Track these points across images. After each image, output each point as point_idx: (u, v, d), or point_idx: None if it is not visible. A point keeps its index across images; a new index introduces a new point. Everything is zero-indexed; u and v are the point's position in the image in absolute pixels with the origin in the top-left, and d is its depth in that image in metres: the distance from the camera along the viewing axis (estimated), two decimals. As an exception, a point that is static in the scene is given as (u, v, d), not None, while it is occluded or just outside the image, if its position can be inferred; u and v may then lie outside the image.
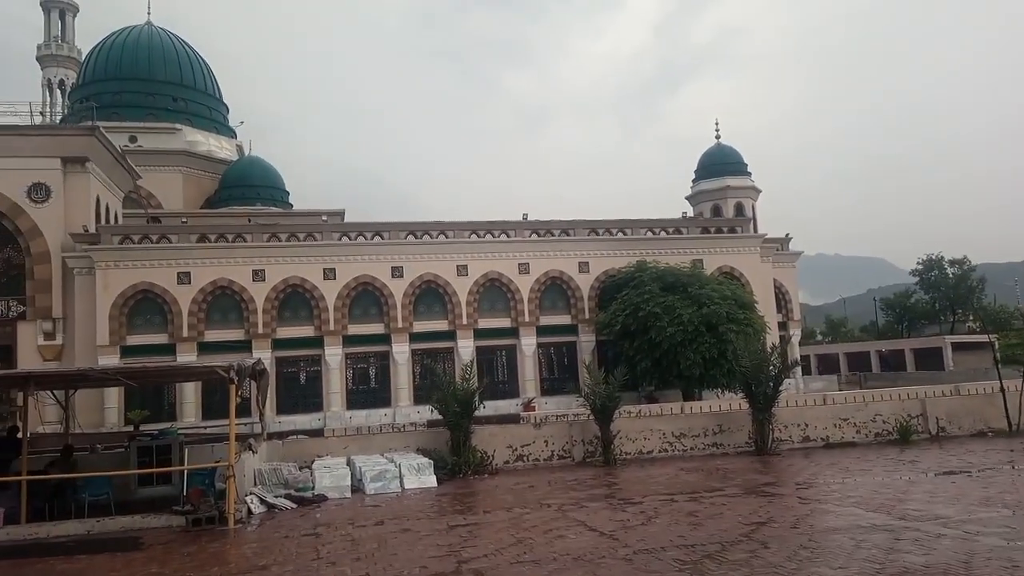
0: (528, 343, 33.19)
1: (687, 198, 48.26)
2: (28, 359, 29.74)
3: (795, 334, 39.23)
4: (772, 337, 31.21)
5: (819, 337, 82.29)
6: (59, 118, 50.60)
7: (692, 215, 43.39)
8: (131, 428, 25.54)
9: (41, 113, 49.57)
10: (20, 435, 14.66)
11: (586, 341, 33.60)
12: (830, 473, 14.17)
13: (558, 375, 34.02)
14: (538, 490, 13.78)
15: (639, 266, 31.87)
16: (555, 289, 34.09)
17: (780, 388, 18.28)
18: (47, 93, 56.17)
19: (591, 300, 33.72)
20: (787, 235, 41.37)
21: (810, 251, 53.77)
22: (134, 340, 29.62)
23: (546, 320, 33.69)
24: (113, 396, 28.43)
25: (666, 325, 28.15)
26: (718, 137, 47.81)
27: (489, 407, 28.62)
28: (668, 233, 35.16)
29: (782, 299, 38.62)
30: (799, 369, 34.28)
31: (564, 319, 33.96)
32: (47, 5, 58.26)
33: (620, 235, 34.68)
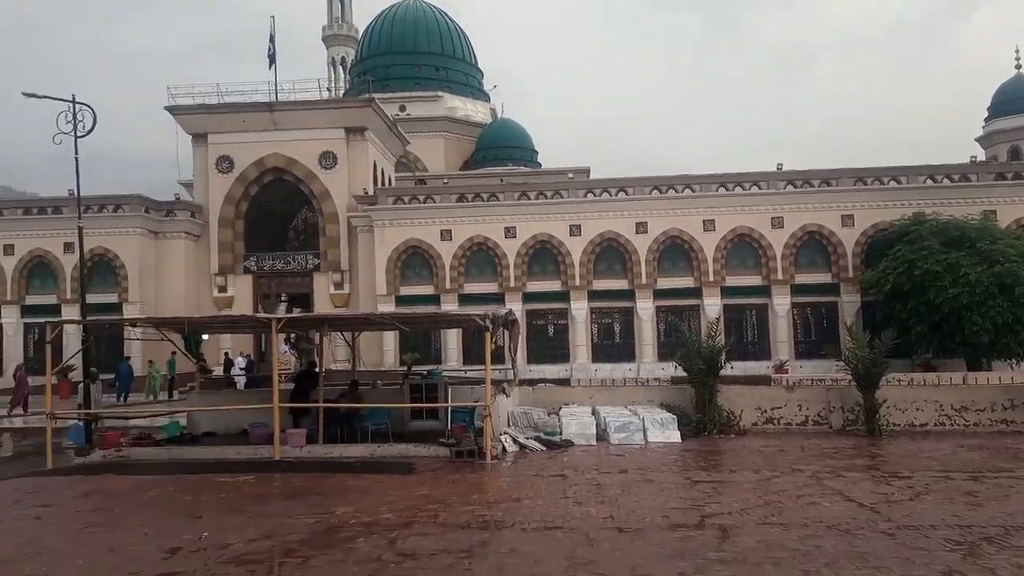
0: (781, 302, 31.45)
1: (977, 140, 42.12)
2: (322, 305, 34.36)
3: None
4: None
5: None
6: (342, 92, 56.78)
7: (983, 159, 37.73)
8: (404, 368, 28.59)
9: (328, 89, 55.94)
10: (317, 369, 17.11)
11: (849, 302, 31.04)
12: None
13: (815, 337, 31.87)
14: (789, 455, 13.17)
15: (916, 219, 28.60)
16: (813, 245, 31.79)
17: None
18: (331, 70, 63.04)
19: (856, 257, 30.99)
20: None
21: None
22: (406, 290, 32.88)
23: (802, 278, 31.61)
24: (390, 339, 31.93)
25: (948, 285, 25.04)
26: (1018, 67, 40.87)
27: (737, 368, 27.78)
28: (952, 181, 30.99)
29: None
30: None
31: (823, 277, 31.63)
32: (330, -11, 65.02)
33: (892, 184, 31.28)
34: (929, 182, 30.91)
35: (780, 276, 31.42)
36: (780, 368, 28.59)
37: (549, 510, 9.14)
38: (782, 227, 31.57)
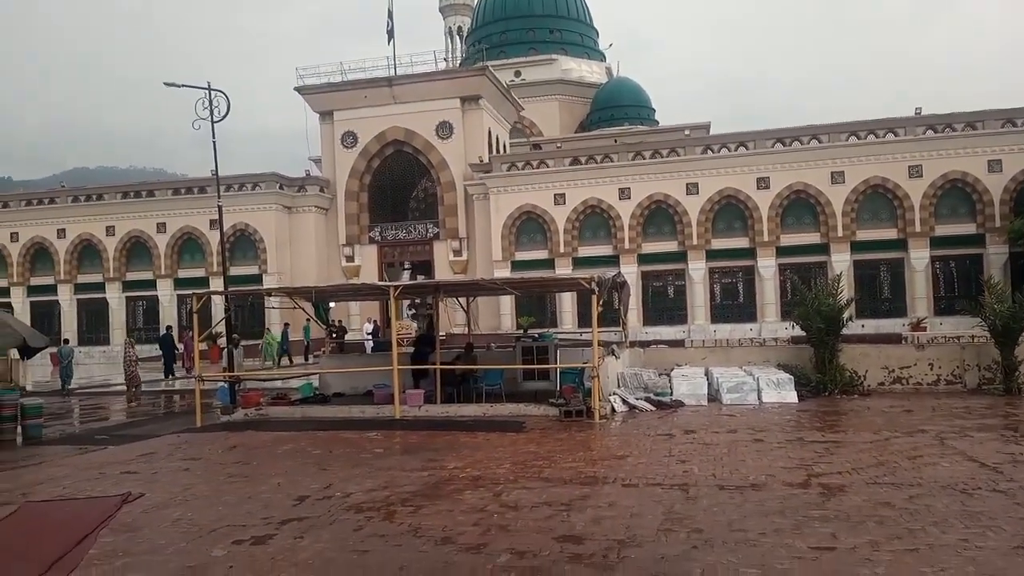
0: (919, 256, 29.52)
1: None
2: (442, 272, 35.55)
3: None
4: None
5: None
6: (458, 62, 57.57)
7: None
8: (520, 332, 29.25)
9: (445, 59, 56.92)
10: (435, 333, 17.86)
11: (996, 253, 28.74)
12: None
13: (959, 293, 29.73)
14: (916, 415, 12.55)
15: (1074, 161, 25.89)
16: (955, 193, 29.53)
17: None
18: (448, 40, 63.94)
19: (1004, 205, 28.57)
20: None
21: None
22: (521, 255, 33.40)
23: (942, 230, 29.51)
24: (507, 304, 32.65)
25: (1109, 232, 22.65)
26: None
27: (869, 326, 26.53)
28: (1117, 116, 27.75)
29: None
30: None
31: (967, 228, 29.38)
32: (447, -41, 65.59)
33: (1046, 124, 28.38)
34: (1090, 121, 27.84)
35: (918, 228, 29.44)
36: (917, 326, 26.96)
37: (651, 468, 9.26)
38: (921, 176, 29.49)
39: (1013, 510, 6.79)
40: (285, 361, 29.73)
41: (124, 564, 6.20)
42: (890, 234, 30.05)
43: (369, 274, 36.38)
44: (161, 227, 37.48)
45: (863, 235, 30.13)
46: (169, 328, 29.13)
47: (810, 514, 6.99)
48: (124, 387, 20.59)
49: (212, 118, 19.51)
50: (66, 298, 38.82)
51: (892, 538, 6.15)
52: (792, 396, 14.41)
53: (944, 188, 29.43)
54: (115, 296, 38.24)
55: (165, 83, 19.91)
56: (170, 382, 24.57)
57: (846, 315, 15.66)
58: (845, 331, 15.91)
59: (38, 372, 28.05)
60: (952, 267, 30.33)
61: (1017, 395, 13.91)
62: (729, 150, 31.48)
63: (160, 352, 26.83)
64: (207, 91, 19.69)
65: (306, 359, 29.98)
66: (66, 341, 26.52)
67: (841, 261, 29.80)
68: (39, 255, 39.40)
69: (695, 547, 6.12)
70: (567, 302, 32.14)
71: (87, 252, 38.96)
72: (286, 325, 30.53)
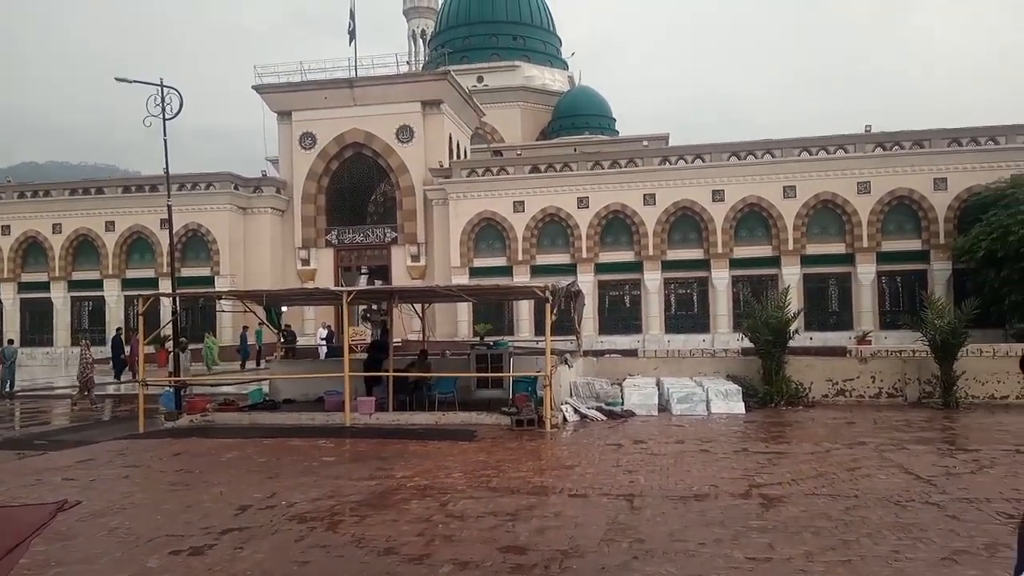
0: (865, 271, 30.32)
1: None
2: (400, 277, 35.32)
3: None
4: None
5: None
6: (421, 65, 57.38)
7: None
8: (477, 339, 29.22)
9: (407, 62, 56.64)
10: (389, 339, 17.74)
11: (939, 269, 29.66)
12: None
13: (904, 307, 30.60)
14: (857, 427, 12.88)
15: (1014, 181, 26.95)
16: (901, 210, 30.43)
17: None
18: (412, 43, 63.69)
19: (948, 223, 29.50)
20: None
21: None
22: (479, 262, 33.38)
23: (889, 245, 30.36)
24: (464, 311, 32.57)
25: (1045, 252, 23.61)
26: None
27: (817, 339, 27.12)
28: (1056, 140, 28.95)
29: None
30: None
31: (912, 244, 30.28)
32: (410, -38, 65.36)
33: (990, 144, 29.46)
34: (1030, 141, 28.97)
35: (865, 243, 30.25)
36: (862, 339, 27.62)
37: (599, 478, 9.33)
38: (869, 192, 30.32)
39: (944, 522, 7.02)
40: (251, 364, 29.27)
41: (56, 574, 6.02)
42: (839, 248, 30.81)
43: (325, 278, 35.98)
44: (110, 225, 36.53)
45: (813, 249, 30.85)
46: (119, 330, 28.38)
47: (749, 524, 7.12)
48: (73, 390, 20.02)
49: (164, 115, 19.09)
50: (9, 297, 37.57)
51: (827, 549, 6.31)
52: (740, 407, 14.66)
53: (891, 204, 30.29)
54: (60, 296, 37.15)
55: (117, 79, 19.44)
56: (118, 386, 23.92)
57: (793, 327, 16.01)
58: (793, 343, 16.27)
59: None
60: (898, 282, 31.22)
61: (955, 409, 14.36)
62: (686, 162, 31.97)
63: (110, 354, 26.12)
64: (159, 87, 19.28)
65: (258, 364, 29.50)
66: (11, 342, 25.64)
67: (792, 274, 30.46)
68: (-20, 252, 38.05)
69: (636, 557, 6.19)
70: (524, 310, 32.22)
71: (32, 250, 37.78)
72: (244, 328, 29.99)
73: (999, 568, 5.74)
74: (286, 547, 6.69)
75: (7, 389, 21.85)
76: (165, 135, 19.18)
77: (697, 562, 6.06)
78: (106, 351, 28.30)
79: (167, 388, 16.36)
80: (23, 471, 10.54)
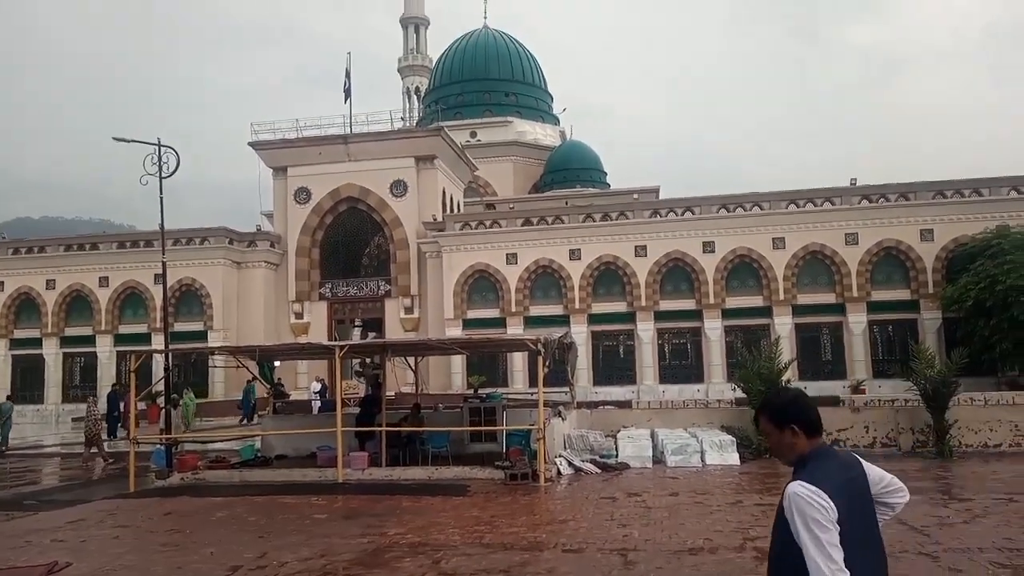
0: (856, 320, 30.50)
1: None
2: (393, 330, 35.34)
3: None
4: None
5: None
6: (415, 121, 58.49)
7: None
8: (471, 391, 29.10)
9: (402, 119, 57.87)
10: (382, 393, 17.70)
11: (929, 319, 29.86)
12: None
13: (896, 356, 30.68)
14: (851, 478, 12.85)
15: (999, 231, 27.41)
16: (890, 261, 30.77)
17: None
18: (406, 99, 65.03)
19: (936, 273, 29.82)
20: None
21: None
22: (473, 314, 33.47)
23: (879, 295, 30.61)
24: (458, 363, 32.51)
25: (1032, 300, 23.87)
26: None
27: (811, 388, 27.05)
28: (1038, 191, 29.52)
29: None
30: None
31: (901, 294, 30.54)
32: (405, 22, 67.24)
33: (974, 196, 30.02)
34: (1013, 193, 29.58)
35: (855, 293, 30.51)
36: (856, 388, 27.73)
37: (592, 532, 9.29)
38: (857, 243, 30.71)
39: (937, 573, 7.02)
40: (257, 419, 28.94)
41: (41, 641, 5.95)
42: (829, 298, 31.06)
43: (319, 331, 35.97)
44: (103, 281, 36.60)
45: (804, 299, 31.09)
46: (115, 386, 28.18)
47: (743, 580, 7.10)
48: (74, 447, 19.78)
49: (160, 174, 19.41)
50: (0, 354, 37.38)
51: (820, 604, 6.28)
52: (734, 458, 14.63)
53: (879, 255, 30.65)
54: (52, 352, 36.98)
55: (114, 138, 19.83)
56: (112, 443, 23.66)
57: (784, 378, 16.11)
58: (786, 393, 16.30)
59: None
60: (889, 331, 31.38)
61: (949, 458, 14.36)
62: (676, 214, 32.41)
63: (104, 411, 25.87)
64: (157, 147, 19.64)
65: (250, 420, 29.22)
66: (9, 398, 25.56)
67: (784, 324, 30.62)
68: (-26, 308, 37.99)
69: (629, 615, 6.16)
70: (518, 361, 32.20)
71: (25, 306, 37.74)
72: (249, 381, 29.62)
73: (992, 621, 5.74)
74: (277, 608, 6.62)
75: (2, 447, 21.64)
76: (161, 193, 19.46)
77: (690, 619, 6.03)
78: (99, 408, 28.05)
79: (158, 445, 16.25)
80: (12, 532, 10.41)
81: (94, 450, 18.78)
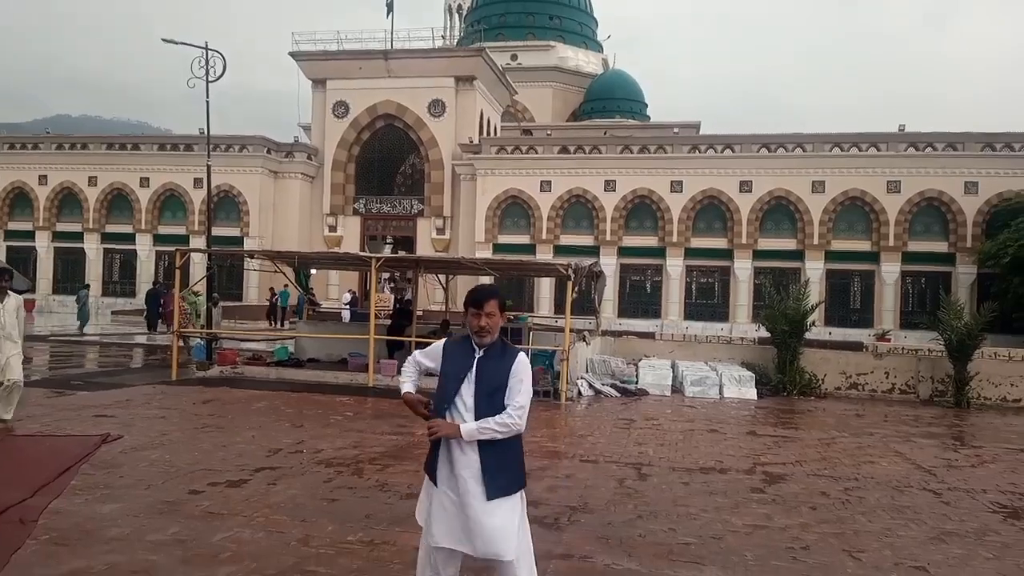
0: (890, 270, 30.29)
1: None
2: (424, 249, 35.81)
3: None
4: None
5: None
6: (456, 40, 57.46)
7: None
8: (498, 314, 29.55)
9: (443, 37, 56.89)
10: (412, 307, 18.21)
11: (964, 273, 29.58)
12: None
13: (927, 308, 30.49)
14: (866, 419, 13.15)
15: (1045, 189, 26.73)
16: (931, 212, 30.30)
17: None
18: (448, 17, 63.73)
19: (976, 227, 29.37)
20: None
21: None
22: (504, 239, 33.76)
23: (915, 246, 30.28)
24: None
25: (1071, 260, 23.51)
26: None
27: (836, 334, 27.27)
28: (1091, 149, 28.63)
29: None
30: None
31: (939, 246, 30.19)
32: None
33: (1024, 151, 29.19)
34: (1067, 149, 28.68)
35: (891, 243, 30.20)
36: (881, 338, 27.70)
37: (609, 447, 9.73)
38: (899, 191, 30.21)
39: (938, 507, 7.33)
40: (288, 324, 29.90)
41: (105, 495, 6.54)
42: (864, 246, 30.78)
43: (351, 245, 36.54)
44: (144, 181, 37.30)
45: (838, 245, 30.85)
46: (156, 283, 29.16)
47: (750, 496, 7.49)
48: (111, 337, 20.70)
49: (208, 78, 19.59)
50: (43, 245, 38.58)
51: (821, 522, 6.66)
52: (752, 393, 14.97)
53: (920, 205, 30.17)
54: (93, 247, 38.08)
55: (163, 39, 19.94)
56: (152, 339, 24.68)
57: (810, 320, 16.23)
58: (811, 336, 16.50)
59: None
60: (922, 283, 31.15)
61: (966, 408, 14.57)
62: (715, 151, 31.99)
63: (144, 307, 26.91)
64: (204, 50, 19.75)
65: (281, 324, 30.16)
66: (87, 286, 27.08)
67: (815, 268, 30.50)
68: (19, 200, 39.06)
69: (640, 517, 6.59)
70: (545, 288, 32.58)
71: (67, 201, 38.70)
72: (285, 286, 30.35)
73: (984, 550, 6.06)
74: (316, 486, 7.17)
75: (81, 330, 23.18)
76: (208, 98, 19.68)
77: (697, 524, 6.45)
78: (137, 303, 29.12)
79: (199, 340, 16.98)
80: (66, 406, 11.14)
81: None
